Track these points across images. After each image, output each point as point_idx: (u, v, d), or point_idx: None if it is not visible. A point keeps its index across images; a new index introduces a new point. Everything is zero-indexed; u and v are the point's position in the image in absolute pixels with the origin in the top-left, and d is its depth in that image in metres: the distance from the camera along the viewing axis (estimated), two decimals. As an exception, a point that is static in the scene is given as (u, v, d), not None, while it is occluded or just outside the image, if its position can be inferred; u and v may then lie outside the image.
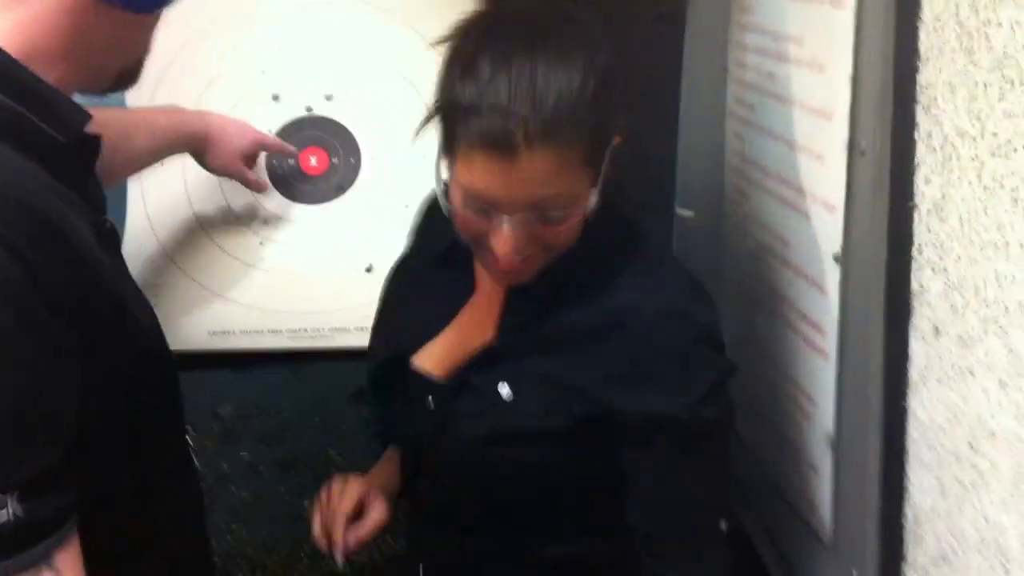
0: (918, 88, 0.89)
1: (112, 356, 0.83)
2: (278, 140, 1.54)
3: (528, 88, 0.87)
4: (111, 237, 0.92)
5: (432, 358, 1.08)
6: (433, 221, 1.12)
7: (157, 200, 1.52)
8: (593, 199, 0.94)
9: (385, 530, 1.22)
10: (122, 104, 1.38)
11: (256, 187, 1.51)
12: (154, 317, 0.97)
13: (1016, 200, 0.78)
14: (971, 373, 0.83)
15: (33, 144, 0.81)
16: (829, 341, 1.02)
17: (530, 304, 1.01)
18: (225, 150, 1.44)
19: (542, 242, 0.95)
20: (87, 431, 0.79)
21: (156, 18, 0.88)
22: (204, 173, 1.47)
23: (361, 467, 1.74)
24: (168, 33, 0.92)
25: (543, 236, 0.94)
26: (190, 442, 1.15)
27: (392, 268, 1.22)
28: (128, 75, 0.93)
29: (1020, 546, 0.78)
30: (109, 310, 0.84)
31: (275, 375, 1.72)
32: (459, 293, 1.09)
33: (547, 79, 0.87)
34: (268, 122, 1.55)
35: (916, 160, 0.90)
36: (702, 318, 0.98)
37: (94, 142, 0.90)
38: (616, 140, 0.95)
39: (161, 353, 0.96)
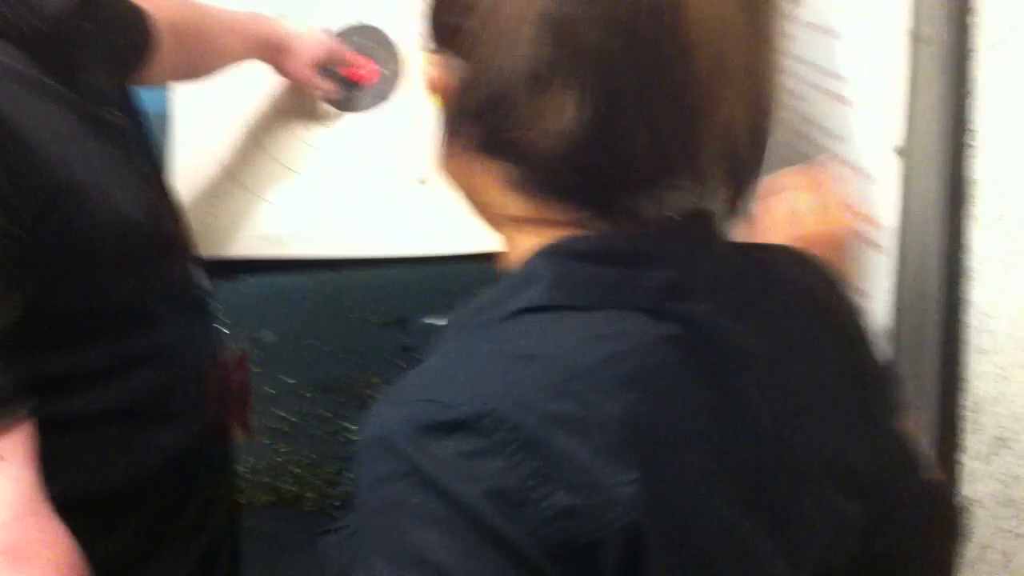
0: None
1: (66, 241, 0.83)
2: (352, 53, 1.53)
3: None
4: (111, 129, 0.93)
5: None
6: None
7: (206, 104, 1.51)
8: None
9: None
10: None
11: (329, 95, 1.52)
12: (157, 204, 0.98)
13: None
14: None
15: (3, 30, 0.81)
16: (886, 235, 1.02)
17: None
18: (301, 59, 1.44)
19: None
20: (36, 313, 0.78)
21: None
22: (252, 80, 1.47)
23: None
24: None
25: None
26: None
27: None
28: None
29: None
30: (68, 196, 0.83)
31: (319, 296, 1.74)
32: None
33: None
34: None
35: (970, 46, 0.89)
36: None
37: (81, 29, 0.90)
38: None
39: (149, 240, 0.95)
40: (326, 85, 1.50)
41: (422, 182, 1.52)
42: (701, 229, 0.62)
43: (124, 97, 1.04)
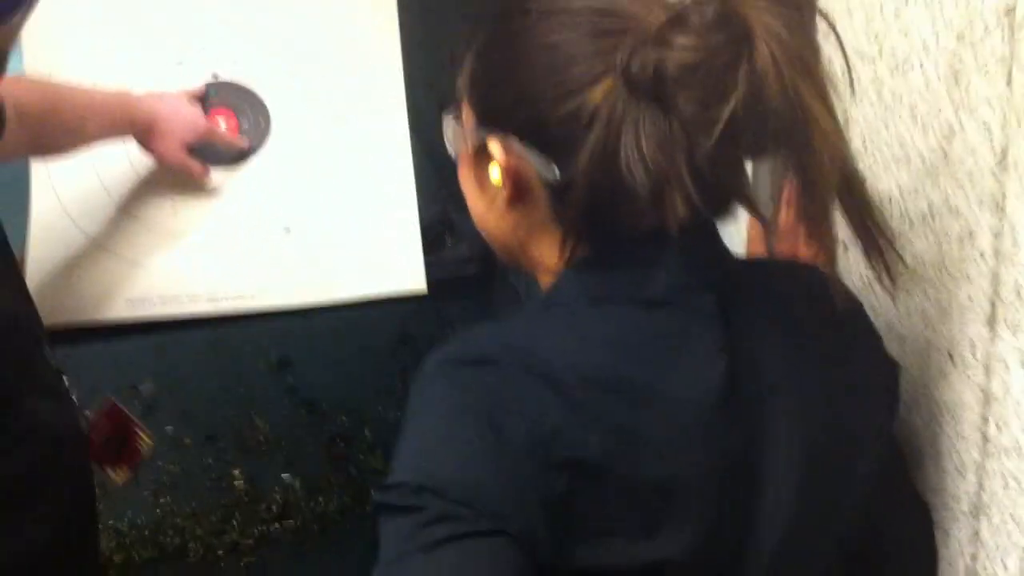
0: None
1: None
2: (227, 134, 1.52)
3: None
4: None
5: None
6: None
7: (64, 173, 1.49)
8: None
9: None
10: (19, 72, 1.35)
11: (200, 177, 1.50)
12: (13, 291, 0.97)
13: (915, 115, 0.82)
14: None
15: None
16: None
17: None
18: (170, 141, 1.41)
19: None
20: None
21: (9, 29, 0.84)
22: (113, 147, 1.45)
23: (286, 435, 1.74)
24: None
25: None
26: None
27: None
28: None
29: (932, 442, 0.83)
30: None
31: (196, 346, 1.71)
32: None
33: None
34: (173, 88, 1.53)
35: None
36: None
37: None
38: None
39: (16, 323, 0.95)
40: (196, 167, 1.48)
41: (287, 231, 1.53)
42: (704, 240, 0.73)
43: None
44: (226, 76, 1.56)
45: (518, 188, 0.73)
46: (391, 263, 1.56)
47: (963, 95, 0.75)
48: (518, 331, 0.72)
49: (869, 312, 0.81)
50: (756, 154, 0.72)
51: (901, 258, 0.72)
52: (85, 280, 1.49)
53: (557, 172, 0.69)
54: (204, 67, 1.55)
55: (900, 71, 0.83)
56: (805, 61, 0.63)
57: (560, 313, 0.73)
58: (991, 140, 0.72)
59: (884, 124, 0.87)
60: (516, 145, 0.71)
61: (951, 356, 0.79)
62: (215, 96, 1.54)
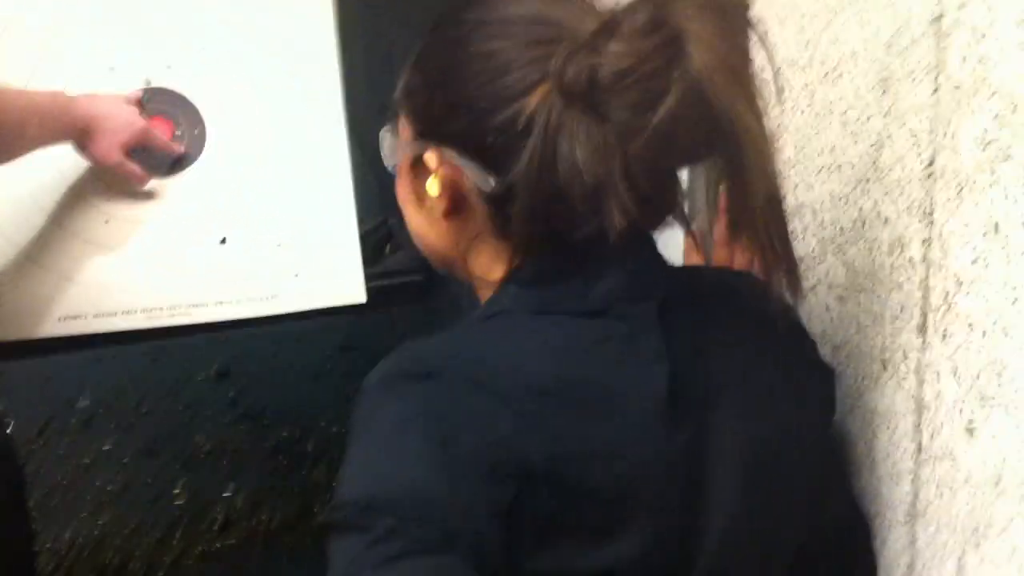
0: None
1: None
2: (164, 139, 1.49)
3: None
4: None
5: None
6: None
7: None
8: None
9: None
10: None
11: (139, 180, 1.47)
12: None
13: (845, 123, 0.82)
14: (813, 292, 0.88)
15: None
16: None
17: None
18: (108, 143, 1.38)
19: None
20: None
21: None
22: (42, 154, 1.41)
23: (227, 448, 1.72)
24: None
25: None
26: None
27: None
28: None
29: (867, 450, 0.83)
30: None
31: (133, 359, 1.68)
32: None
33: None
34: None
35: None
36: None
37: None
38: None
39: None
40: (135, 170, 1.45)
41: (223, 242, 1.51)
42: (641, 249, 0.73)
43: None
44: (160, 82, 1.53)
45: (455, 200, 0.73)
46: (330, 274, 1.54)
47: (891, 103, 0.75)
48: (461, 343, 0.71)
49: (804, 319, 0.81)
50: (689, 161, 0.72)
51: (799, 281, 0.71)
52: (14, 295, 1.45)
53: (493, 182, 0.69)
54: (137, 73, 1.52)
55: (830, 79, 0.83)
56: (735, 68, 0.63)
57: (503, 324, 0.72)
58: (919, 149, 0.72)
59: (815, 132, 0.87)
60: (453, 156, 0.71)
61: (884, 363, 0.79)
62: (149, 103, 1.51)
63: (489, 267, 0.75)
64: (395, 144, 0.79)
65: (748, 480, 0.73)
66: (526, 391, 0.66)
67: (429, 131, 0.74)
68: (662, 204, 0.71)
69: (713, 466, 0.72)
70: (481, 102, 0.69)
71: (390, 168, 0.81)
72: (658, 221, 0.73)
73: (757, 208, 0.67)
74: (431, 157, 0.73)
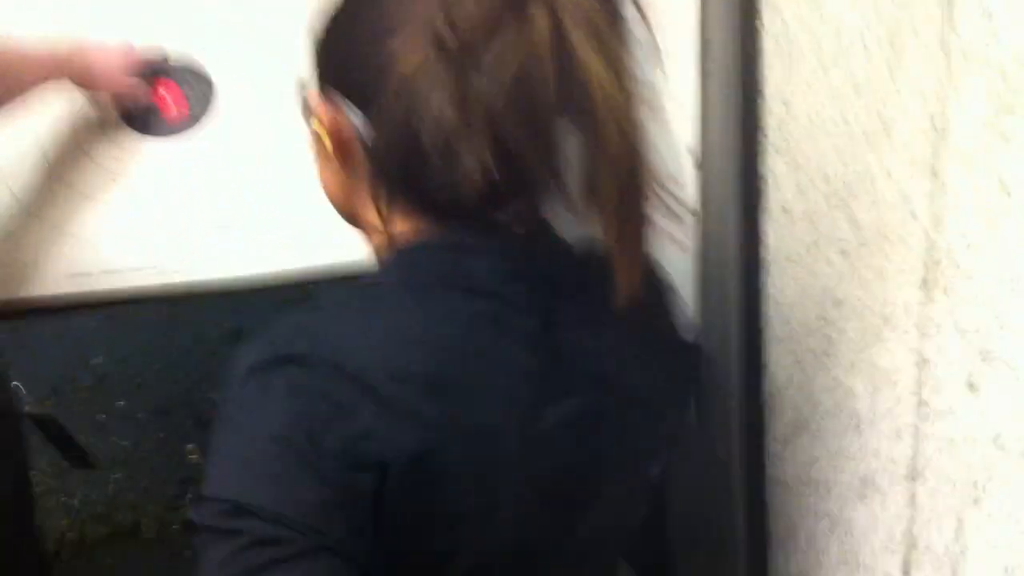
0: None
1: None
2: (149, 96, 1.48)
3: None
4: None
5: None
6: None
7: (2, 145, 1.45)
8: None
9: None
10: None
11: (146, 97, 1.46)
12: None
13: (851, 79, 0.82)
14: (816, 245, 0.87)
15: None
16: (687, 233, 1.06)
17: None
18: (110, 66, 1.37)
19: None
20: None
21: None
22: (47, 111, 1.41)
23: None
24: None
25: None
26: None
27: None
28: None
29: (870, 406, 0.83)
30: None
31: (147, 318, 1.69)
32: None
33: None
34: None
35: (759, 48, 0.93)
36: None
37: None
38: None
39: None
40: (144, 91, 1.45)
41: (238, 199, 1.51)
42: (524, 225, 0.71)
43: None
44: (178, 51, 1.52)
45: (342, 145, 0.73)
46: (340, 233, 1.54)
47: (898, 59, 0.74)
48: (328, 324, 0.69)
49: (807, 274, 0.80)
50: (549, 118, 0.67)
51: (636, 270, 0.68)
52: (22, 253, 1.46)
53: (363, 127, 0.70)
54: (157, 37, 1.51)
55: (836, 34, 0.82)
56: (594, 23, 0.62)
57: (374, 300, 0.71)
58: (926, 105, 0.72)
59: (822, 86, 0.86)
60: (335, 97, 0.72)
61: (886, 319, 0.79)
62: (164, 66, 1.50)
63: (375, 223, 0.73)
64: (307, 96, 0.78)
65: (612, 457, 0.74)
66: (390, 380, 0.65)
67: (319, 75, 0.74)
68: (532, 168, 0.67)
69: (579, 448, 0.72)
70: (355, 44, 0.70)
71: (305, 122, 0.79)
72: (533, 189, 0.69)
73: (610, 176, 0.65)
74: (313, 96, 0.74)
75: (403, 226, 0.72)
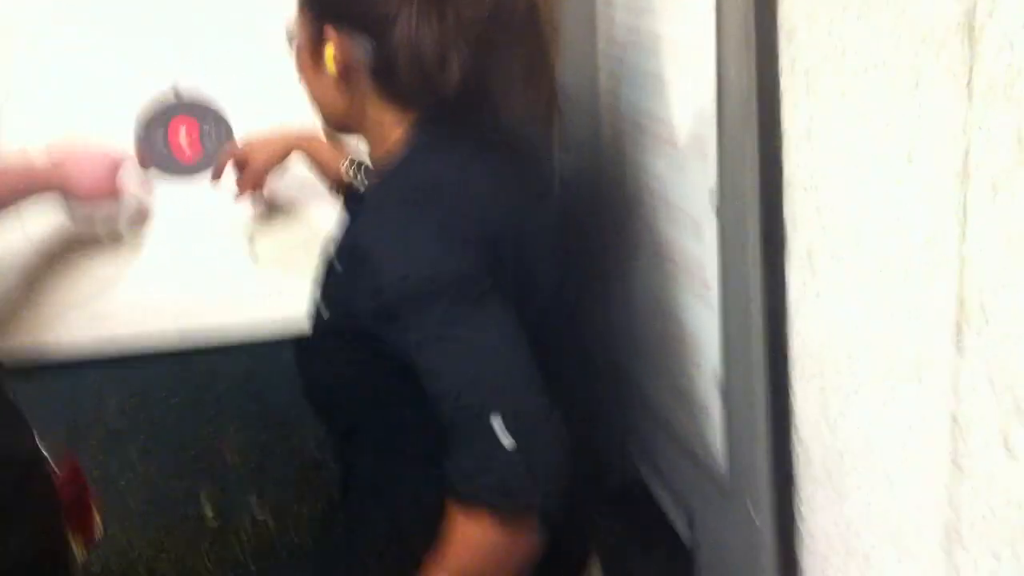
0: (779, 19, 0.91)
1: None
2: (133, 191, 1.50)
3: None
4: None
5: None
6: None
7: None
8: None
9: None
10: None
11: (145, 192, 1.49)
12: None
13: (877, 119, 0.80)
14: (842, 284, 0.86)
15: None
16: (710, 281, 1.04)
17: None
18: (90, 178, 1.39)
19: None
20: None
21: None
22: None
23: (256, 459, 1.71)
24: None
25: None
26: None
27: None
28: None
29: (901, 451, 0.81)
30: None
31: (162, 368, 1.68)
32: None
33: None
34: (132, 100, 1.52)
35: (782, 88, 0.92)
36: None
37: None
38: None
39: None
40: (134, 187, 1.46)
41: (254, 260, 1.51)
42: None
43: None
44: (186, 85, 1.53)
45: (346, 68, 0.97)
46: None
47: (924, 99, 0.73)
48: (433, 169, 0.97)
49: (830, 309, 0.78)
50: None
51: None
52: (49, 306, 1.46)
53: (371, 50, 0.94)
54: (164, 77, 1.52)
55: (861, 76, 0.81)
56: None
57: (442, 151, 0.98)
58: (953, 145, 0.70)
59: (848, 127, 0.85)
60: (344, 28, 0.95)
61: (917, 365, 0.77)
62: (175, 106, 1.51)
63: (381, 123, 0.99)
64: (298, 23, 1.01)
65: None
66: (481, 199, 0.96)
67: (324, 11, 0.97)
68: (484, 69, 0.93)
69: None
70: None
71: (291, 45, 1.03)
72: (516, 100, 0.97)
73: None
74: (328, 30, 0.96)
75: (399, 125, 0.97)
